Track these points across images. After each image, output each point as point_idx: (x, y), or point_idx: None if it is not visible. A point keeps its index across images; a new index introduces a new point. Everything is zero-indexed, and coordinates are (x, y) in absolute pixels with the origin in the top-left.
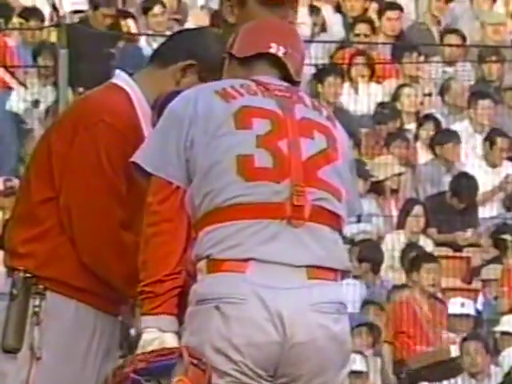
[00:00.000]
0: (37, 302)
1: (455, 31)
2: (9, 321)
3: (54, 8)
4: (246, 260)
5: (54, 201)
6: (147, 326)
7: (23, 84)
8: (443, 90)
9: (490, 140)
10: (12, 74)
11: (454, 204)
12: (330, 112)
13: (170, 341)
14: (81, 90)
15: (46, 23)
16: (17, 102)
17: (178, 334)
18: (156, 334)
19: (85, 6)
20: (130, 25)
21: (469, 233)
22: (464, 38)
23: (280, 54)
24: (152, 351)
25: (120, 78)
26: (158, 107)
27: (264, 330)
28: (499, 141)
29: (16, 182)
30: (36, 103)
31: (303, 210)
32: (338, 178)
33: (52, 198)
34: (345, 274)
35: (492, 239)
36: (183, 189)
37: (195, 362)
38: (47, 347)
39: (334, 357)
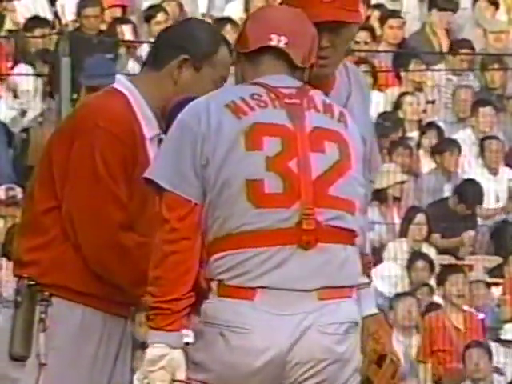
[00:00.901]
0: (43, 309)
1: (463, 41)
2: (15, 329)
3: (56, 16)
4: (255, 288)
5: (58, 210)
6: (157, 341)
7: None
8: (453, 99)
9: (484, 146)
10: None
11: (458, 210)
12: (341, 108)
13: (179, 358)
14: (75, 96)
15: (47, 31)
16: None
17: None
18: (166, 350)
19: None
20: (124, 32)
21: (471, 232)
22: (472, 49)
23: (281, 45)
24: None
25: (120, 83)
26: (168, 115)
27: (268, 359)
28: (494, 146)
29: (18, 191)
30: (23, 113)
31: (314, 233)
32: (351, 189)
33: (55, 207)
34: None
35: (494, 246)
36: (200, 206)
37: None
38: (54, 353)
39: (337, 377)
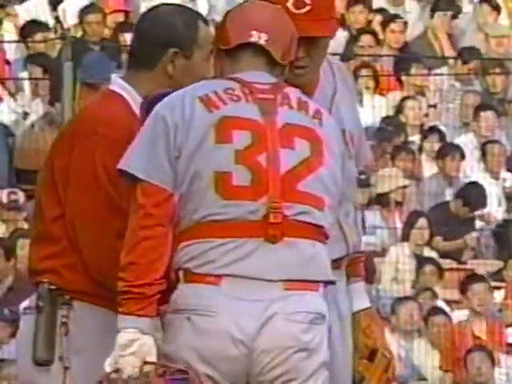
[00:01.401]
0: (64, 312)
1: (472, 49)
2: (38, 334)
3: (58, 21)
4: (220, 275)
5: (63, 218)
6: (129, 326)
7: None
8: (460, 104)
9: (485, 150)
10: (4, 86)
11: (460, 213)
12: (319, 105)
13: (150, 343)
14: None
15: (51, 36)
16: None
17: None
18: (136, 336)
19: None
20: (127, 38)
21: (473, 234)
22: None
23: (262, 41)
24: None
25: (116, 84)
26: (146, 109)
27: (232, 343)
28: (496, 150)
29: (20, 195)
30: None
31: (280, 227)
32: (320, 186)
33: (61, 216)
34: (328, 284)
35: (496, 250)
36: (175, 196)
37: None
38: (77, 356)
39: (304, 367)
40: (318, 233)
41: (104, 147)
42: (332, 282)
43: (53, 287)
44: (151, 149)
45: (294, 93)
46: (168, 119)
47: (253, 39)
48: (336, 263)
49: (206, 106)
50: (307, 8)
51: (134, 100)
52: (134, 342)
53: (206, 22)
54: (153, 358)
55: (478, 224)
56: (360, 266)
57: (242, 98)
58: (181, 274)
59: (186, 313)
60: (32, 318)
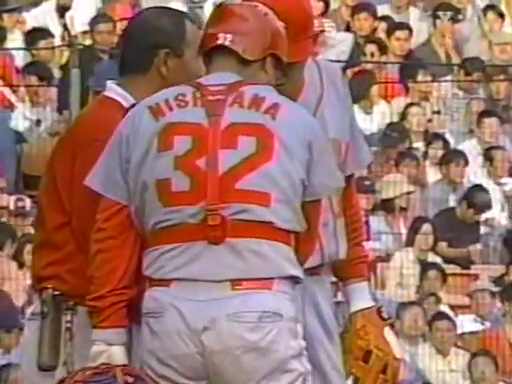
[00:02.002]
0: (68, 318)
1: (476, 59)
2: (43, 339)
3: (66, 28)
4: (170, 280)
5: (68, 225)
6: (96, 338)
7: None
8: (464, 111)
9: (489, 156)
10: (16, 93)
11: (466, 219)
12: (279, 99)
13: (118, 353)
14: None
15: (57, 43)
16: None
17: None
18: (104, 347)
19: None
20: None
21: (478, 246)
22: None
23: (227, 42)
24: (90, 369)
25: (111, 90)
26: None
27: (182, 342)
28: (499, 156)
29: (27, 202)
30: (38, 122)
31: (220, 228)
32: (266, 181)
33: (65, 223)
34: (288, 280)
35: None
36: (129, 207)
37: (130, 380)
38: (81, 361)
39: (257, 367)
40: (263, 230)
41: None
42: (296, 277)
43: (57, 293)
44: (108, 163)
45: (250, 90)
46: (122, 132)
47: (219, 41)
48: (313, 270)
49: (153, 115)
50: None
51: (130, 104)
52: (102, 353)
53: (191, 20)
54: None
55: (483, 229)
56: (361, 266)
57: (189, 102)
58: (147, 281)
59: (145, 316)
60: (36, 323)
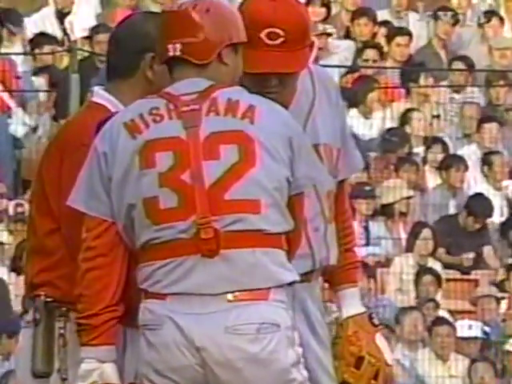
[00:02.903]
0: (61, 324)
1: (463, 58)
2: (36, 346)
3: (65, 33)
4: (166, 294)
5: (58, 231)
6: (87, 356)
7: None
8: (459, 115)
9: (488, 161)
10: (14, 98)
11: (468, 225)
12: (252, 99)
13: (109, 371)
14: None
15: (58, 48)
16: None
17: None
18: (95, 365)
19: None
20: None
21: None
22: (472, 65)
23: (178, 53)
24: None
25: (98, 96)
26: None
27: (180, 354)
28: (498, 161)
29: (26, 207)
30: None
31: (214, 241)
32: (254, 188)
33: (56, 229)
34: (283, 287)
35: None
36: (118, 224)
37: None
38: (75, 367)
39: (259, 378)
40: (256, 238)
41: None
42: (290, 283)
43: (49, 299)
44: (88, 181)
45: (223, 95)
46: (99, 149)
47: (170, 53)
48: (304, 276)
49: (129, 133)
50: (281, 39)
51: (118, 110)
52: (93, 371)
53: None
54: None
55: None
56: (352, 272)
57: (164, 116)
58: (142, 293)
59: (141, 328)
60: (30, 330)
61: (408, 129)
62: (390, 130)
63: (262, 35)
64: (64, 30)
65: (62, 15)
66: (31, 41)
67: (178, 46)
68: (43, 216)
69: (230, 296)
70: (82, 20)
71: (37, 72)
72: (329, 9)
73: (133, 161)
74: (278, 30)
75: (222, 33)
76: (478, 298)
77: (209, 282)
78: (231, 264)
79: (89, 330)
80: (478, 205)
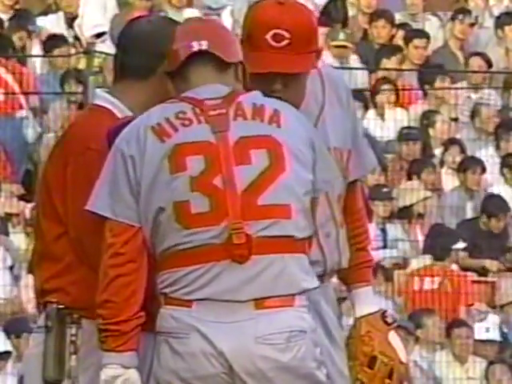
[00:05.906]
0: (73, 331)
1: (479, 54)
2: (47, 353)
3: (76, 38)
4: (191, 301)
5: (66, 235)
6: (111, 362)
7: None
8: (473, 115)
9: (506, 163)
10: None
11: (491, 226)
12: (275, 103)
13: (134, 376)
14: None
15: (73, 50)
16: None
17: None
18: (120, 371)
19: (105, 28)
20: None
21: (494, 262)
22: (489, 63)
23: (204, 47)
24: None
25: (101, 98)
26: (108, 142)
27: (208, 363)
28: None
29: None
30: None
31: (246, 246)
32: (285, 193)
33: (63, 234)
34: (305, 293)
35: None
36: (144, 229)
37: None
38: (87, 374)
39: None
40: (286, 244)
41: (98, 162)
42: (310, 289)
43: (61, 306)
44: (113, 186)
45: (248, 100)
46: (125, 153)
47: (194, 49)
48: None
49: (158, 136)
50: (286, 42)
51: (121, 113)
52: (118, 377)
53: None
54: None
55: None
56: (365, 271)
57: (193, 120)
58: (161, 298)
59: (163, 335)
60: (41, 336)
61: (431, 131)
62: (407, 131)
63: (268, 37)
64: (75, 36)
65: (70, 21)
66: (45, 43)
67: (204, 42)
68: (49, 221)
69: (257, 303)
70: (89, 22)
71: (62, 76)
72: (346, 14)
73: (162, 164)
74: (283, 32)
75: (238, 48)
76: (497, 300)
77: (235, 287)
78: (260, 269)
79: (117, 336)
80: (496, 206)
